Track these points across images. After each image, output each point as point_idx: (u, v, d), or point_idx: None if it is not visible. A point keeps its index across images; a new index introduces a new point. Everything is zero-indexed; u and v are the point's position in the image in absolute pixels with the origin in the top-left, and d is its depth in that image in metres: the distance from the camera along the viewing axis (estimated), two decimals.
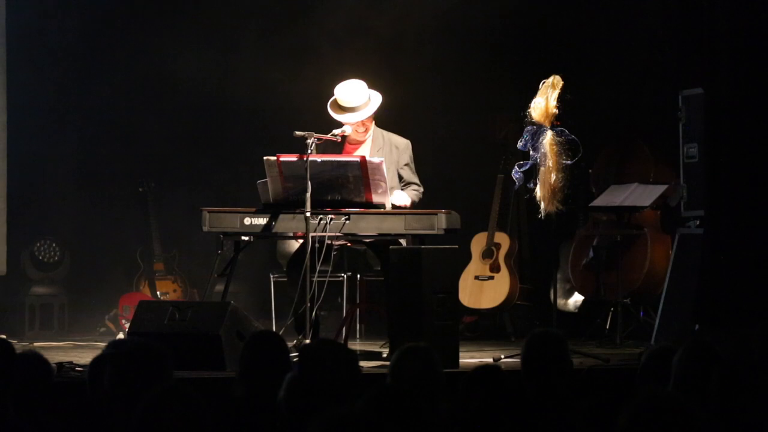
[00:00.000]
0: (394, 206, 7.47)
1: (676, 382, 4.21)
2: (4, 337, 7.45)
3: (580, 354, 7.23)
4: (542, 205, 7.45)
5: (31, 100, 9.68)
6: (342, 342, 7.43)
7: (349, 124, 7.68)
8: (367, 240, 7.61)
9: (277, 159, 7.30)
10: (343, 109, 7.70)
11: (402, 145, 7.82)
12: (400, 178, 7.78)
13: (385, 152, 7.68)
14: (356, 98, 7.67)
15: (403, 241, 7.42)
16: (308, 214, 7.11)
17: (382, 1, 9.94)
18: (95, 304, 10.02)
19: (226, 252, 7.62)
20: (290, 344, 6.18)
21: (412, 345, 4.36)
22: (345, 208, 7.29)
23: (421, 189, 7.79)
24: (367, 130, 7.78)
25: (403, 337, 6.56)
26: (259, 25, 10.30)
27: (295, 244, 9.41)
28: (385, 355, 7.48)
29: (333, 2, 10.13)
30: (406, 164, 7.79)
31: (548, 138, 7.44)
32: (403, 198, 7.55)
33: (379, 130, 7.85)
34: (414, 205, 7.68)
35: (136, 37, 10.20)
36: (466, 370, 4.15)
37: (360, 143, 7.81)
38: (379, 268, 7.79)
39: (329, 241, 7.28)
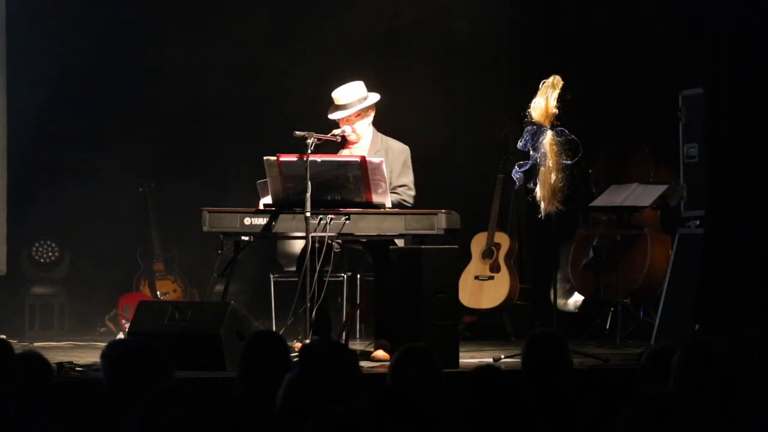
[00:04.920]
0: None
1: (676, 382, 4.21)
2: (4, 337, 7.45)
3: (580, 354, 7.23)
4: (542, 205, 7.45)
5: (31, 100, 9.68)
6: (342, 342, 7.45)
7: (336, 120, 7.68)
8: (364, 240, 7.60)
9: (277, 159, 7.30)
10: (335, 108, 7.72)
11: (397, 149, 7.78)
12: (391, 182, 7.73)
13: (380, 156, 7.65)
14: (345, 96, 7.66)
15: (399, 242, 7.41)
16: (308, 214, 7.11)
17: (382, 1, 9.94)
18: (95, 304, 10.02)
19: (226, 252, 7.62)
20: (290, 344, 6.17)
21: (412, 345, 4.36)
22: (345, 208, 7.29)
23: (411, 192, 7.71)
24: (354, 131, 7.73)
25: (403, 337, 6.56)
26: (260, 27, 10.30)
27: (295, 244, 9.44)
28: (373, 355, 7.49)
29: (333, 3, 10.13)
30: (398, 167, 7.74)
31: (548, 138, 7.44)
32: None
33: (379, 135, 7.83)
34: (402, 207, 7.61)
35: (137, 37, 10.20)
36: (466, 370, 4.14)
37: (356, 142, 7.79)
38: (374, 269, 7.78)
39: (329, 241, 7.29)
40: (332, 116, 7.71)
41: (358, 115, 7.73)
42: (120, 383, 3.93)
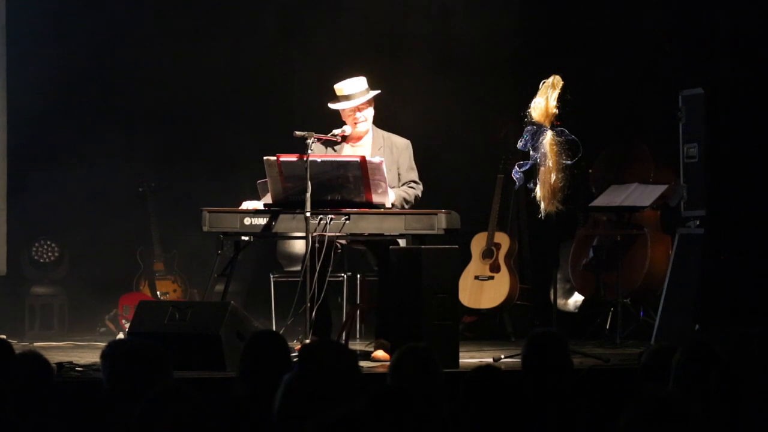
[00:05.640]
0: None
1: (675, 382, 4.21)
2: (4, 337, 7.45)
3: (580, 354, 7.23)
4: (542, 205, 7.45)
5: (31, 100, 9.68)
6: (342, 342, 7.44)
7: (342, 110, 7.69)
8: (368, 240, 7.60)
9: (277, 159, 7.30)
10: (338, 99, 7.72)
11: (401, 145, 7.80)
12: (399, 178, 7.76)
13: (385, 152, 7.68)
14: (351, 87, 7.68)
15: (401, 241, 7.41)
16: (308, 214, 7.11)
17: (383, 2, 9.94)
18: (95, 304, 10.01)
19: (226, 252, 7.62)
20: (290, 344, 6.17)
21: (412, 345, 4.36)
22: (345, 208, 7.29)
23: (420, 187, 7.74)
24: (366, 120, 7.75)
25: (403, 337, 6.56)
26: (259, 26, 10.30)
27: (295, 244, 9.44)
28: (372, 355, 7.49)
29: (334, 3, 10.13)
30: (406, 163, 7.77)
31: (548, 138, 7.44)
32: (390, 198, 7.49)
33: (380, 131, 7.84)
34: (408, 202, 7.62)
35: (138, 36, 10.19)
36: (466, 370, 4.14)
37: (359, 138, 7.80)
38: (377, 268, 7.79)
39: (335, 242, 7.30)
40: (336, 106, 7.71)
41: (369, 104, 7.74)
42: (119, 383, 3.93)
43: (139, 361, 3.95)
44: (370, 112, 7.78)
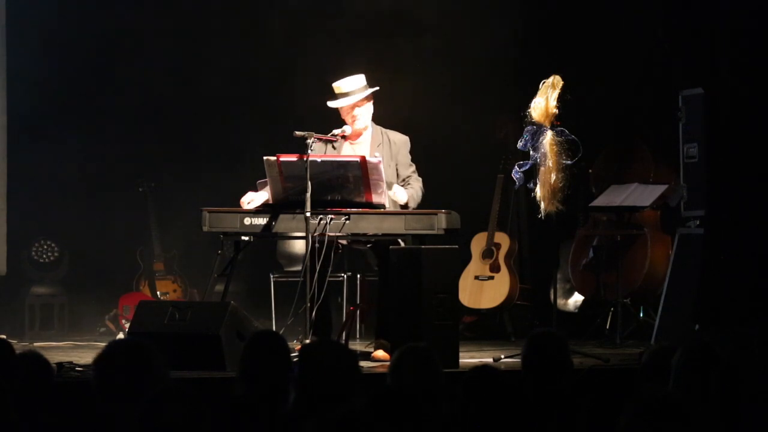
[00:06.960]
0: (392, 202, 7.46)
1: (675, 382, 4.21)
2: (4, 337, 7.45)
3: (580, 354, 7.23)
4: (542, 205, 7.45)
5: (31, 101, 9.68)
6: (342, 342, 7.44)
7: (340, 108, 7.69)
8: (371, 239, 7.60)
9: (277, 159, 7.31)
10: (336, 96, 7.72)
11: (400, 141, 7.78)
12: (398, 174, 7.75)
13: (384, 149, 7.68)
14: (349, 84, 7.68)
15: (401, 241, 7.41)
16: (308, 214, 7.11)
17: (382, 2, 9.94)
18: (95, 304, 10.01)
19: (226, 252, 7.62)
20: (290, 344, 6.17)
21: (412, 345, 4.37)
22: (345, 208, 7.30)
23: (419, 184, 7.69)
24: (360, 119, 7.73)
25: (403, 337, 6.56)
26: (261, 26, 10.30)
27: (295, 244, 9.44)
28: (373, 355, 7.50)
29: (335, 3, 10.13)
30: (404, 159, 7.75)
31: (548, 138, 7.44)
32: (401, 195, 7.50)
33: (378, 128, 7.84)
34: (414, 202, 7.61)
35: (137, 36, 10.19)
36: (466, 370, 4.15)
37: (358, 135, 7.79)
38: (377, 268, 7.80)
39: (336, 241, 7.30)
40: (334, 104, 7.71)
41: (367, 100, 7.73)
42: (113, 384, 3.90)
43: (125, 361, 3.93)
44: (368, 108, 7.77)
